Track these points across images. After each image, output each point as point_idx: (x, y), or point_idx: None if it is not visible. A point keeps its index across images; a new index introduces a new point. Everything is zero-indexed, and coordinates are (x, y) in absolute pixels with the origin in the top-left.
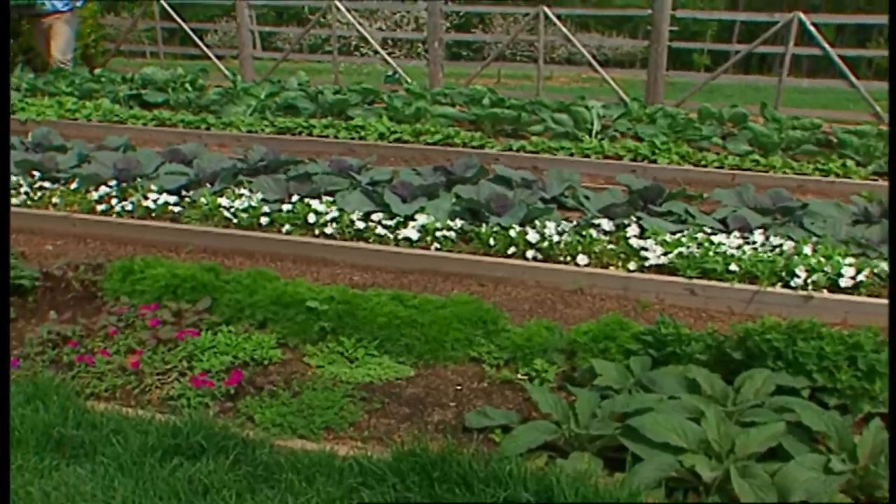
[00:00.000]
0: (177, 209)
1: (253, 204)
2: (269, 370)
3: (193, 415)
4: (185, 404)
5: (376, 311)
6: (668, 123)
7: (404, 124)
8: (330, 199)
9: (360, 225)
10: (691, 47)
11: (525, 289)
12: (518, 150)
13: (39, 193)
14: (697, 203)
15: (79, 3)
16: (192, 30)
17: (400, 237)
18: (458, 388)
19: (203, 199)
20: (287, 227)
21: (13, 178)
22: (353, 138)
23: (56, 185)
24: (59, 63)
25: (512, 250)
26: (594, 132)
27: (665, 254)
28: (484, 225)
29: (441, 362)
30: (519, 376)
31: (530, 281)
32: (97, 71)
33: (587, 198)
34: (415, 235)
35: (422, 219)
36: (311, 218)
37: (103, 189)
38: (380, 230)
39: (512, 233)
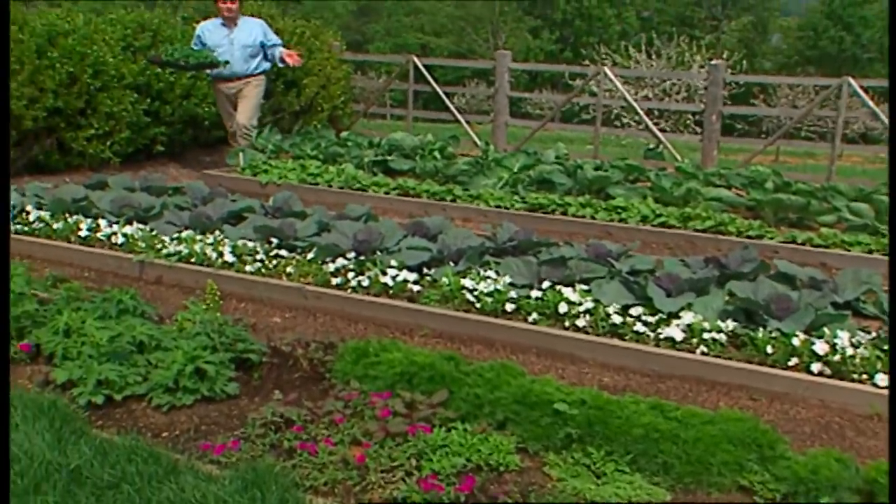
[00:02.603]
0: (415, 288)
1: (499, 288)
2: (504, 478)
3: None
4: None
5: (632, 421)
6: None
7: (671, 207)
8: (584, 287)
9: (617, 319)
10: None
11: (806, 408)
12: (803, 244)
13: (274, 262)
14: None
15: (274, 65)
16: (439, 93)
17: (661, 336)
18: None
19: (445, 279)
20: (534, 315)
21: (250, 244)
22: (611, 220)
23: (292, 254)
24: (243, 130)
25: (793, 361)
26: None
27: None
28: (761, 329)
29: (703, 488)
30: None
31: (813, 399)
32: (343, 134)
33: None
34: (679, 336)
35: (687, 317)
36: (563, 308)
37: (340, 261)
38: (638, 327)
39: (795, 341)
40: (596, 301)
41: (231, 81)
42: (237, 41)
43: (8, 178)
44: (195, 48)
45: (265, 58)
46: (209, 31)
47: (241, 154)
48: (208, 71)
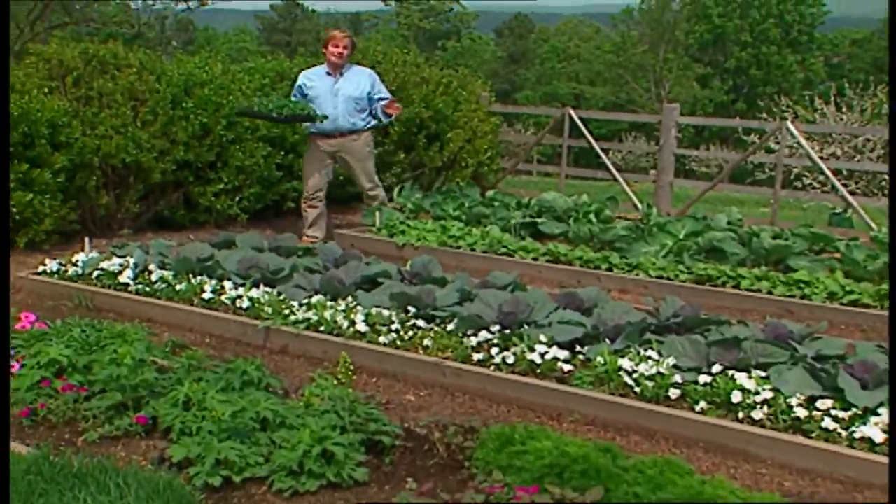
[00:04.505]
0: (566, 367)
1: (662, 371)
2: None
3: None
4: None
5: None
6: None
7: (864, 282)
8: (761, 374)
9: (801, 413)
10: None
11: None
12: None
13: (410, 333)
14: None
15: (380, 121)
16: (596, 149)
17: (855, 436)
18: None
19: (600, 359)
20: (702, 404)
21: (385, 313)
22: (792, 296)
23: (430, 325)
24: (369, 193)
25: None
26: None
27: None
28: None
29: None
30: None
31: None
32: (489, 193)
33: None
34: (878, 436)
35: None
36: (736, 397)
37: (483, 334)
38: (827, 423)
39: None
40: (775, 390)
41: (332, 138)
42: (342, 92)
43: (8, 184)
44: (294, 100)
45: (371, 113)
46: (311, 80)
47: (377, 213)
48: (307, 125)
